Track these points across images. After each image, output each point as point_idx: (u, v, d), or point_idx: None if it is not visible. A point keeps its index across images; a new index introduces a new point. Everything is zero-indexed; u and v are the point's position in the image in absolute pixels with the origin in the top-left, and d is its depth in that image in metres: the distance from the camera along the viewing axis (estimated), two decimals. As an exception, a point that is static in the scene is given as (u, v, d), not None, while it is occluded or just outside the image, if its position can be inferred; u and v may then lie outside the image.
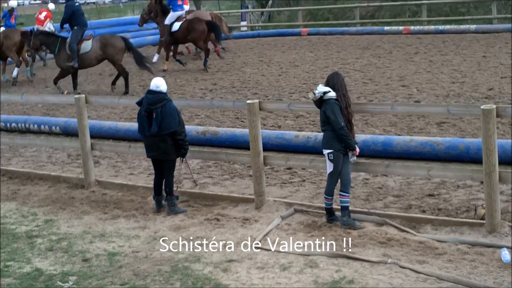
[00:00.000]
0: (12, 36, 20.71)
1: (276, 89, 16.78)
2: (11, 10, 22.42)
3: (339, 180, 7.80)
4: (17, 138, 12.52)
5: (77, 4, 18.56)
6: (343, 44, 25.61)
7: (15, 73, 21.10)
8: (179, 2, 21.64)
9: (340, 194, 7.76)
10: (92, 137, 10.39)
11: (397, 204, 8.47)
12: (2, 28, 21.71)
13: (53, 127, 13.62)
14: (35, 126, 13.86)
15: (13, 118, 14.50)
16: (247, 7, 39.81)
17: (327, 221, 7.85)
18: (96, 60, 18.15)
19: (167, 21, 21.32)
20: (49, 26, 23.31)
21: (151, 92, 8.67)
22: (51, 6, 26.66)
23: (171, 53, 21.67)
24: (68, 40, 17.79)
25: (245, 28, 35.20)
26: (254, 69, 20.65)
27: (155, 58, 22.98)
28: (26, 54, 21.28)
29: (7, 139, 12.38)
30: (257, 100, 8.63)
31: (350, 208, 7.84)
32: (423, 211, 8.12)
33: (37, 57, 23.54)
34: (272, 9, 39.60)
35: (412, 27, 27.82)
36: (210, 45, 22.32)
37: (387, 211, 8.10)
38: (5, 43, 20.78)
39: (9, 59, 21.71)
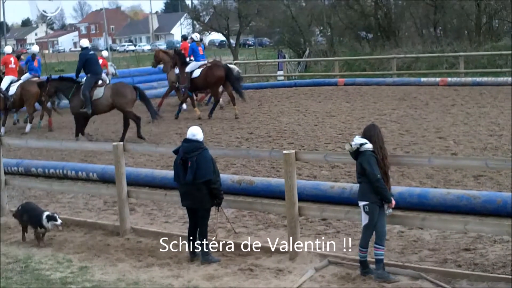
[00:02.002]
0: (29, 89, 21.19)
1: (312, 139, 16.81)
2: (33, 55, 23.01)
3: (374, 232, 7.76)
4: (55, 184, 12.66)
5: (91, 52, 18.85)
6: (379, 94, 25.67)
7: (27, 129, 21.52)
8: (201, 53, 22.17)
9: (374, 247, 7.71)
10: (128, 184, 10.45)
11: (433, 258, 8.36)
12: (27, 74, 22.24)
13: (91, 174, 13.76)
14: (73, 172, 14.02)
15: (51, 164, 14.69)
16: (284, 57, 40.32)
17: (361, 274, 7.79)
18: (107, 107, 18.35)
19: (188, 69, 21.70)
20: (111, 70, 26.05)
21: (187, 140, 8.73)
22: (105, 53, 27.47)
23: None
24: (81, 87, 18.09)
25: (282, 78, 35.55)
26: (290, 118, 20.76)
27: (184, 106, 23.26)
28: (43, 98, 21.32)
29: (45, 185, 12.56)
30: (294, 151, 8.64)
31: (385, 261, 7.78)
32: (459, 266, 8.00)
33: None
34: (308, 59, 39.92)
35: (449, 79, 27.82)
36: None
37: (422, 265, 7.99)
38: (24, 95, 21.30)
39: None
